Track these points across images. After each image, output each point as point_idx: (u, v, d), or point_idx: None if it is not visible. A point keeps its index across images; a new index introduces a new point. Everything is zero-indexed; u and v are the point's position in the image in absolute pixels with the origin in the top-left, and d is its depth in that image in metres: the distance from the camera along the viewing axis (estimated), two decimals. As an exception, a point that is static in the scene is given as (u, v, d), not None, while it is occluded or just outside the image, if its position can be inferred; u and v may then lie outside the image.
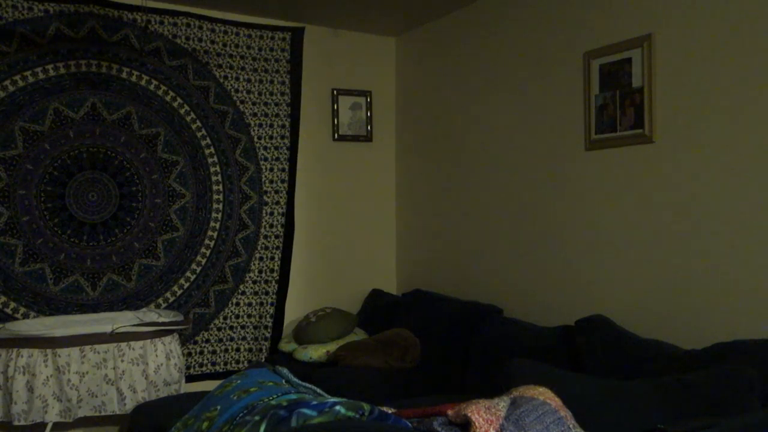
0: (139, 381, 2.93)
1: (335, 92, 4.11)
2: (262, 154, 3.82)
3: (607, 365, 2.38)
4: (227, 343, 3.72)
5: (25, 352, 2.75)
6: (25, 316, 3.19)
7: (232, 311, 3.74)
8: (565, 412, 1.35)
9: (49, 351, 2.78)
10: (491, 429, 1.24)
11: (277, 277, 3.88)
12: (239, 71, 3.75)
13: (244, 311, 3.78)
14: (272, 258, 3.86)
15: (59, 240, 3.28)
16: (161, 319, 3.04)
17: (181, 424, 1.59)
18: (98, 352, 2.88)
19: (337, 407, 1.33)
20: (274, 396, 1.48)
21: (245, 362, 3.77)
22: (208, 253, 3.66)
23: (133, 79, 3.45)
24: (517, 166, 3.31)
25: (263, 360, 3.84)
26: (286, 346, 3.68)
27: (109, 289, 3.40)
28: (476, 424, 1.25)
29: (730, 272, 2.32)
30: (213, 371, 3.65)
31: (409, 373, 3.26)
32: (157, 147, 3.52)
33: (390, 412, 1.44)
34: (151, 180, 3.51)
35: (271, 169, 3.85)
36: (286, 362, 3.52)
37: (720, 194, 2.36)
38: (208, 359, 3.65)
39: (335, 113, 4.11)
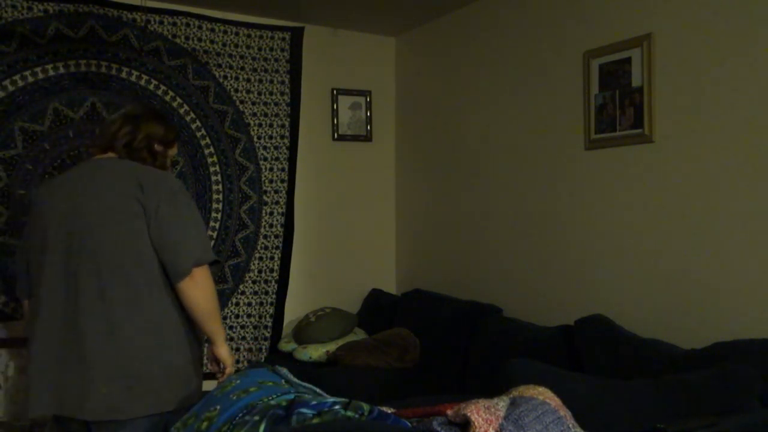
0: (139, 381, 2.93)
1: (335, 92, 4.10)
2: (262, 154, 3.82)
3: (607, 365, 2.38)
4: (227, 343, 3.71)
5: (25, 352, 2.75)
6: (25, 316, 3.18)
7: (231, 311, 3.74)
8: (564, 412, 1.35)
9: (48, 351, 2.77)
10: (490, 429, 1.24)
11: (277, 277, 3.88)
12: (239, 71, 3.75)
13: (243, 311, 3.78)
14: (272, 258, 3.86)
15: (59, 240, 3.28)
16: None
17: (181, 423, 1.59)
18: (98, 352, 2.88)
19: (337, 407, 1.33)
20: (274, 396, 1.48)
21: (245, 362, 3.77)
22: (207, 253, 3.65)
23: (133, 78, 3.45)
24: (516, 166, 3.31)
25: (263, 360, 3.84)
26: (286, 345, 3.68)
27: (109, 289, 3.39)
28: (476, 423, 1.25)
29: (730, 272, 2.32)
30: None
31: (409, 373, 3.26)
32: (156, 147, 3.52)
33: (390, 412, 1.44)
34: (150, 180, 3.50)
35: (271, 169, 3.85)
36: (286, 362, 3.52)
37: (719, 194, 2.36)
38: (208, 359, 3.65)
39: (335, 113, 4.11)
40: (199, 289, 1.89)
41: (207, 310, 1.94)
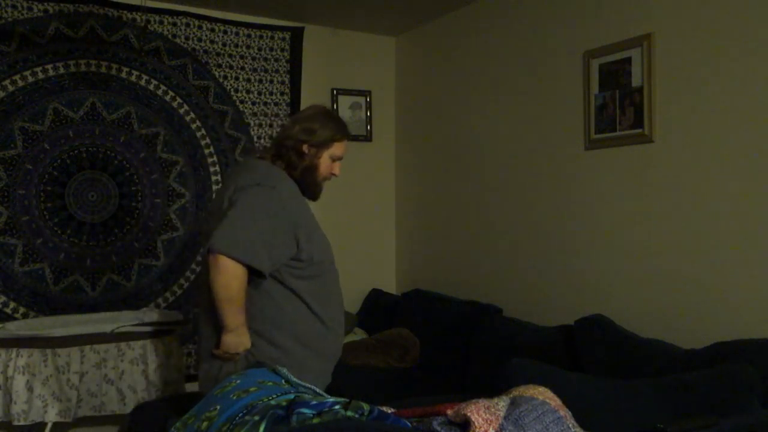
0: (139, 381, 2.92)
1: (335, 92, 4.10)
2: (262, 154, 3.82)
3: (607, 365, 2.38)
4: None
5: (25, 352, 2.75)
6: (25, 316, 3.18)
7: (231, 311, 3.74)
8: (564, 412, 1.35)
9: (49, 351, 2.77)
10: (491, 428, 1.24)
11: (277, 277, 3.87)
12: (239, 71, 3.75)
13: (243, 311, 3.77)
14: (272, 258, 3.85)
15: (59, 240, 3.28)
16: (161, 319, 3.04)
17: (181, 423, 1.58)
18: (98, 352, 2.87)
19: (337, 407, 1.33)
20: (274, 396, 1.48)
21: (245, 362, 3.77)
22: (207, 253, 3.65)
23: (133, 78, 3.45)
24: (516, 166, 3.30)
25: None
26: (286, 346, 3.67)
27: (109, 289, 3.39)
28: (476, 423, 1.25)
29: (729, 272, 2.32)
30: (213, 371, 3.64)
31: (409, 373, 3.26)
32: (156, 147, 3.52)
33: (390, 412, 1.44)
34: (150, 180, 3.51)
35: (271, 169, 3.84)
36: (286, 362, 3.51)
37: (719, 194, 2.36)
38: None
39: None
40: (218, 272, 1.91)
41: (219, 296, 1.95)
